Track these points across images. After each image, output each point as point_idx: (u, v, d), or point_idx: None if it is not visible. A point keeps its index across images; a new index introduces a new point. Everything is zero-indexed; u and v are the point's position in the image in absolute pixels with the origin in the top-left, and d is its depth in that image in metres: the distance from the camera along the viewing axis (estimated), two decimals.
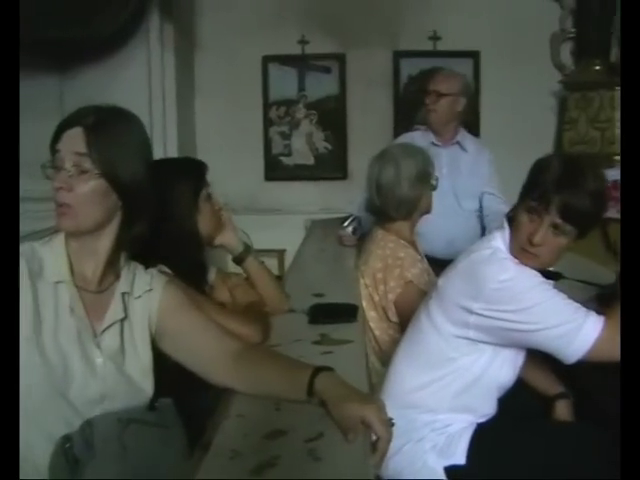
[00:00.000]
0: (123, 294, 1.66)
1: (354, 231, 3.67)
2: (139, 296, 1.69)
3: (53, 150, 1.57)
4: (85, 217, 1.56)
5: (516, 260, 2.13)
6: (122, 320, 1.65)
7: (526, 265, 2.11)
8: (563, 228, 2.04)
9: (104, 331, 1.62)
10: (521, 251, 2.10)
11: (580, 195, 2.01)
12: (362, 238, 3.45)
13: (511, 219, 2.18)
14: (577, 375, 2.32)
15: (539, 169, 2.11)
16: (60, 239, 1.61)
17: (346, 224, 3.72)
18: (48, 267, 1.58)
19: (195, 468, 1.32)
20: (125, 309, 1.65)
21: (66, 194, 1.54)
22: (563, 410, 2.36)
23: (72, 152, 1.55)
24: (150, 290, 1.70)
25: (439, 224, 3.33)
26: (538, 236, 2.05)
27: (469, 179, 3.85)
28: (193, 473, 1.30)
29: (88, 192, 1.54)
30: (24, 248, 1.56)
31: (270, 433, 1.43)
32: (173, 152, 5.26)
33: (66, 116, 1.60)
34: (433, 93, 3.85)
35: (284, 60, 5.98)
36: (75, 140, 1.55)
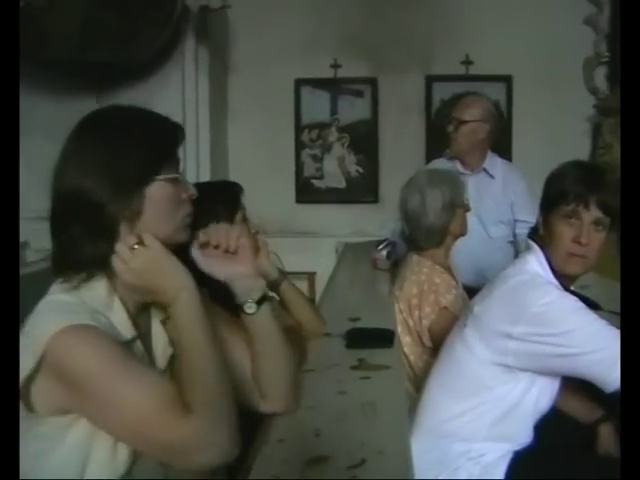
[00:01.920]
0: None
1: (388, 255, 3.67)
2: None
3: None
4: None
5: (557, 284, 2.14)
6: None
7: (576, 271, 2.21)
8: (604, 222, 2.16)
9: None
10: (569, 258, 2.16)
11: (610, 187, 2.16)
12: (396, 263, 3.44)
13: (536, 239, 2.23)
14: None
15: (560, 178, 2.22)
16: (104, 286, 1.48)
17: (380, 247, 3.71)
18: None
19: None
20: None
21: None
22: (607, 434, 2.32)
23: None
24: None
25: (467, 252, 3.28)
26: (584, 235, 2.14)
27: (496, 206, 3.81)
28: None
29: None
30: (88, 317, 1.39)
31: (311, 459, 1.41)
32: (206, 174, 5.30)
33: None
34: (454, 120, 3.83)
35: (317, 84, 6.01)
36: None
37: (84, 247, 1.41)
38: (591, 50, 5.91)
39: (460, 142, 3.84)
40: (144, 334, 1.51)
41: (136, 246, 1.41)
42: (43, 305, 1.41)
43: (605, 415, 2.36)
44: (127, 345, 1.42)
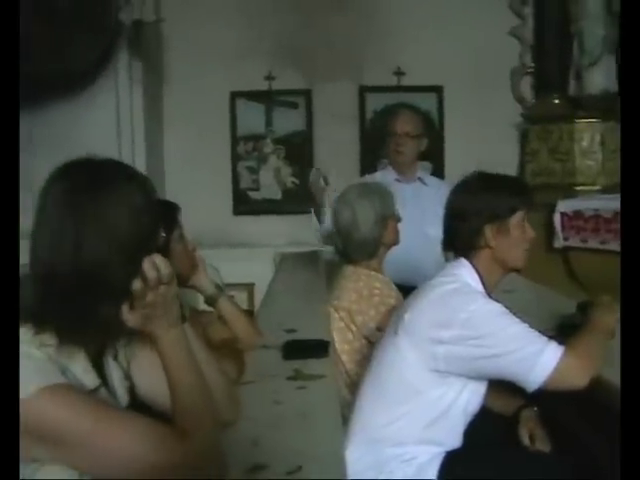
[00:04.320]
0: None
1: (325, 179, 3.84)
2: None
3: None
4: None
5: (482, 291, 2.26)
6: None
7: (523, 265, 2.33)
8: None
9: None
10: (522, 256, 2.32)
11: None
12: (331, 276, 3.51)
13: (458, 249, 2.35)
14: (544, 402, 2.41)
15: (471, 198, 2.36)
16: None
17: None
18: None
19: None
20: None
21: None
22: (529, 419, 2.42)
23: None
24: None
25: (406, 253, 3.37)
26: (531, 231, 2.32)
27: (433, 208, 3.93)
28: None
29: None
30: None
31: (250, 468, 1.48)
32: None
33: None
34: (403, 135, 3.97)
35: (251, 96, 6.08)
36: None
37: (94, 314, 1.38)
38: (517, 60, 6.10)
39: (407, 155, 4.03)
40: (104, 377, 1.51)
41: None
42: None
43: (525, 403, 2.46)
44: (93, 393, 1.43)
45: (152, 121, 5.81)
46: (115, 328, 1.41)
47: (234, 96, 6.06)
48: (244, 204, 6.12)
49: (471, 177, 2.40)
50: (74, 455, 1.32)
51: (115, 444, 1.32)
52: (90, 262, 1.35)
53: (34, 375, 1.31)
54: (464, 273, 2.30)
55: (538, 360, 2.08)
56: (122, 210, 1.38)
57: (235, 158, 6.11)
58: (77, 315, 1.37)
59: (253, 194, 6.14)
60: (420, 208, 3.88)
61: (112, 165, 1.47)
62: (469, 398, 2.27)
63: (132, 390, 1.57)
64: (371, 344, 2.86)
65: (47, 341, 1.37)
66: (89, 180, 1.40)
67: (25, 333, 1.37)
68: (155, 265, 1.38)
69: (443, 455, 2.24)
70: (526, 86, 6.14)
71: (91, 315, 1.37)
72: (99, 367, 1.50)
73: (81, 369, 1.43)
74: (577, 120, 5.60)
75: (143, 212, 1.41)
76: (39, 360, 1.34)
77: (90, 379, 1.45)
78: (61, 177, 1.41)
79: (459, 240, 2.35)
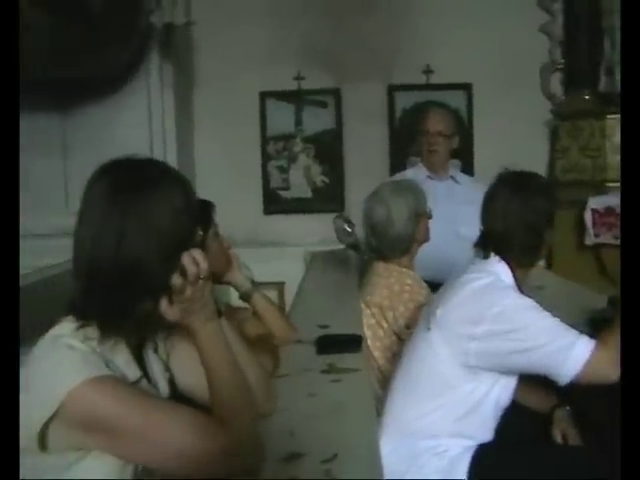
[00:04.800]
0: None
1: (349, 223, 3.82)
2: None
3: None
4: None
5: (515, 287, 2.29)
6: None
7: None
8: None
9: None
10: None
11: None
12: (363, 273, 3.53)
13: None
14: (577, 400, 2.42)
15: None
16: None
17: (336, 217, 3.95)
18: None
19: None
20: None
21: None
22: (562, 419, 2.45)
23: None
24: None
25: (439, 251, 3.39)
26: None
27: (465, 207, 3.94)
28: None
29: None
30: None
31: (287, 456, 1.51)
32: None
33: None
34: (435, 134, 3.99)
35: (281, 96, 6.11)
36: None
37: (135, 309, 1.42)
38: (547, 57, 6.08)
39: (440, 153, 4.06)
40: (145, 369, 1.55)
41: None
42: (55, 352, 1.38)
43: (559, 402, 2.48)
44: (135, 385, 1.47)
45: (183, 122, 5.87)
46: (155, 322, 1.46)
47: (264, 96, 6.09)
48: (275, 203, 6.16)
49: (518, 178, 2.42)
50: (124, 445, 1.36)
51: (166, 435, 1.36)
52: (131, 258, 1.38)
53: (81, 366, 1.34)
54: (497, 269, 2.33)
55: (570, 353, 2.10)
56: (164, 208, 1.42)
57: (265, 158, 6.15)
58: (118, 309, 1.41)
59: (283, 193, 6.17)
60: (452, 206, 3.90)
61: (154, 164, 1.51)
62: (500, 392, 2.30)
63: (172, 382, 1.62)
64: (401, 341, 2.89)
65: (90, 334, 1.42)
66: (132, 178, 1.44)
67: (68, 327, 1.42)
68: (194, 260, 1.43)
69: (474, 448, 2.27)
70: (556, 82, 6.11)
71: (132, 309, 1.42)
72: (140, 360, 1.54)
73: (123, 361, 1.47)
74: (608, 116, 5.57)
75: (183, 211, 1.45)
76: (84, 352, 1.38)
77: (132, 371, 1.49)
78: (104, 175, 1.45)
79: (509, 243, 2.36)
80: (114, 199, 1.41)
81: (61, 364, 1.35)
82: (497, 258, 2.34)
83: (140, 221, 1.40)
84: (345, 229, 3.89)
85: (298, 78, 6.05)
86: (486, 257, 2.37)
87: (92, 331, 1.42)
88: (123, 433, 1.35)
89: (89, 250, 1.41)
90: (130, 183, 1.43)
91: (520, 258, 2.36)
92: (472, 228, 3.97)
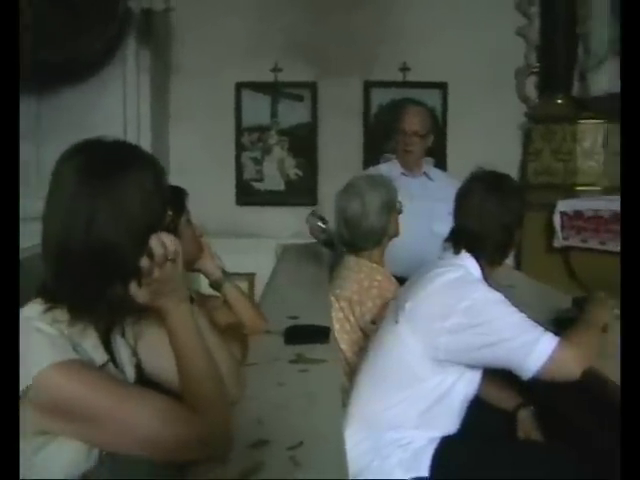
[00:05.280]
0: None
1: (322, 220, 3.83)
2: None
3: None
4: None
5: (483, 281, 2.33)
6: None
7: None
8: None
9: None
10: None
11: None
12: (333, 266, 3.55)
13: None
14: (541, 393, 2.46)
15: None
16: None
17: (310, 215, 3.92)
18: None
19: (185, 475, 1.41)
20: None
21: None
22: (525, 420, 2.51)
23: None
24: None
25: (412, 247, 3.42)
26: None
27: (438, 204, 3.97)
28: None
29: None
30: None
31: (254, 443, 1.53)
32: None
33: None
34: (411, 134, 4.02)
35: (257, 87, 6.11)
36: None
37: (105, 292, 1.41)
38: (522, 60, 6.13)
39: (416, 153, 4.10)
40: (112, 353, 1.55)
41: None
42: (22, 335, 1.34)
43: (523, 402, 2.54)
44: (102, 369, 1.47)
45: (159, 109, 5.84)
46: (125, 305, 1.45)
47: (239, 87, 6.09)
48: (247, 195, 6.15)
49: (493, 178, 2.45)
50: (91, 430, 1.36)
51: (133, 419, 1.36)
52: (101, 240, 1.37)
53: (48, 350, 1.34)
54: (467, 263, 2.37)
55: (534, 348, 2.14)
56: (133, 190, 1.41)
57: (239, 148, 6.14)
58: (89, 292, 1.40)
59: (257, 185, 6.17)
60: (426, 203, 3.94)
61: (125, 146, 1.50)
62: (466, 385, 2.34)
63: (139, 367, 1.62)
64: (366, 336, 2.92)
65: (59, 317, 1.41)
66: (101, 160, 1.42)
67: (36, 309, 1.41)
68: (162, 242, 1.42)
69: (438, 441, 2.30)
70: (531, 86, 6.16)
71: (102, 292, 1.41)
72: (107, 344, 1.53)
73: (91, 345, 1.47)
74: (580, 121, 5.64)
75: (154, 193, 1.44)
76: (52, 336, 1.37)
77: (99, 355, 1.49)
78: (73, 157, 1.43)
79: (483, 241, 2.40)
80: (84, 179, 1.39)
81: (28, 348, 1.32)
82: (467, 254, 2.38)
83: (110, 202, 1.38)
84: (319, 226, 3.90)
85: (275, 70, 6.05)
86: (456, 253, 2.40)
87: (60, 313, 1.42)
88: (89, 417, 1.34)
89: (59, 232, 1.40)
90: (101, 164, 1.41)
91: (491, 256, 2.40)
92: (446, 225, 4.04)
